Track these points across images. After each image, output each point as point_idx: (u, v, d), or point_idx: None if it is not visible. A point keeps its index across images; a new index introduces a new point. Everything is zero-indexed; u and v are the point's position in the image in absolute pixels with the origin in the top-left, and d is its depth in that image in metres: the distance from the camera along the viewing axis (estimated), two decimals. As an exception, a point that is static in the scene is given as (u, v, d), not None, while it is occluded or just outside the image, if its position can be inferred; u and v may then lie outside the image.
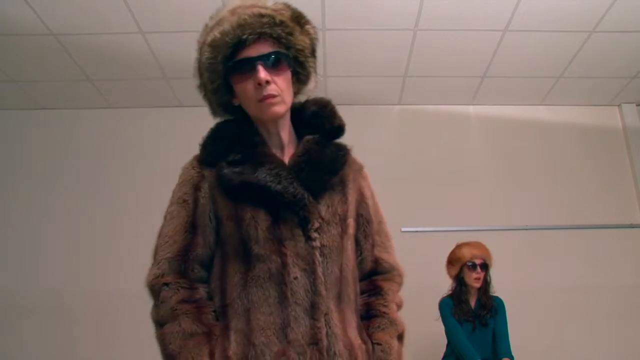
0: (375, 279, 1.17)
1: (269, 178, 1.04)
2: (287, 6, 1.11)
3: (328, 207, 1.09)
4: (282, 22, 1.07)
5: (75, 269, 3.38)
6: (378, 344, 1.08)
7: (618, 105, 3.85)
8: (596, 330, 3.29)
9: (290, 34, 1.07)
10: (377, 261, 1.18)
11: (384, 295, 1.14)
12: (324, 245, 1.06)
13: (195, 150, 4.01)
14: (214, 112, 1.21)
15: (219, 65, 1.07)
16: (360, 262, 1.17)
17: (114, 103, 3.72)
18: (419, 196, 3.43)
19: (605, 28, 2.98)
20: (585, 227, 3.51)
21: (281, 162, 1.09)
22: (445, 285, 2.84)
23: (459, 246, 2.80)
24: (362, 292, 1.16)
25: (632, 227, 3.53)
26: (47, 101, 3.68)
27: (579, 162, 3.69)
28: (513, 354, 2.67)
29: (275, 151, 1.12)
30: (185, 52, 3.15)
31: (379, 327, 1.10)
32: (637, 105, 3.84)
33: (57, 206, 3.53)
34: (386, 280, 1.17)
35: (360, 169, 1.22)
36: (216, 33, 1.06)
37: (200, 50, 1.11)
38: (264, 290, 1.02)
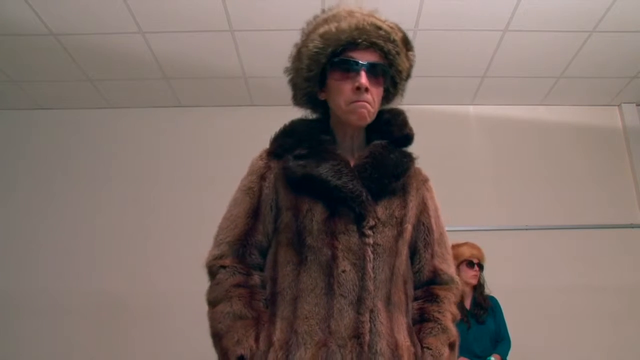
0: (432, 287, 1.16)
1: (330, 173, 1.07)
2: (399, 28, 1.16)
3: (385, 208, 1.10)
4: (394, 41, 1.12)
5: (75, 269, 3.38)
6: (428, 348, 1.07)
7: (618, 105, 3.85)
8: (596, 330, 3.29)
9: (398, 54, 1.13)
10: (435, 272, 1.17)
11: (440, 303, 1.13)
12: (377, 244, 1.07)
13: (196, 149, 4.01)
14: (296, 99, 1.22)
15: (324, 58, 1.10)
16: (418, 271, 1.17)
17: (114, 103, 3.72)
18: (419, 196, 3.41)
19: (605, 28, 2.98)
20: (585, 227, 3.51)
21: (345, 161, 1.12)
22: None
23: (457, 245, 2.85)
24: (417, 298, 1.15)
25: (632, 227, 3.53)
26: (47, 101, 3.68)
27: (579, 162, 3.69)
28: (513, 353, 2.68)
29: (345, 153, 1.15)
30: (185, 52, 3.16)
31: (430, 332, 1.09)
32: (637, 105, 3.84)
33: (57, 206, 3.53)
34: (443, 290, 1.16)
35: (425, 180, 1.24)
36: (332, 27, 1.09)
37: (307, 38, 1.13)
38: (312, 281, 1.05)
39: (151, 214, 3.50)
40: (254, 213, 1.14)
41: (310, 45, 1.11)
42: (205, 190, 3.42)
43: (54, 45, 3.03)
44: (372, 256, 1.05)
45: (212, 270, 1.12)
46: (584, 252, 3.47)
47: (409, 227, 1.14)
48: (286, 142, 1.16)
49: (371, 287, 1.04)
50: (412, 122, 1.23)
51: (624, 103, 3.81)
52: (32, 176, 3.61)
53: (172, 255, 3.34)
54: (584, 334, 3.28)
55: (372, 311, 1.03)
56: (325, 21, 1.12)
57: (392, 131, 1.18)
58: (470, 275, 2.76)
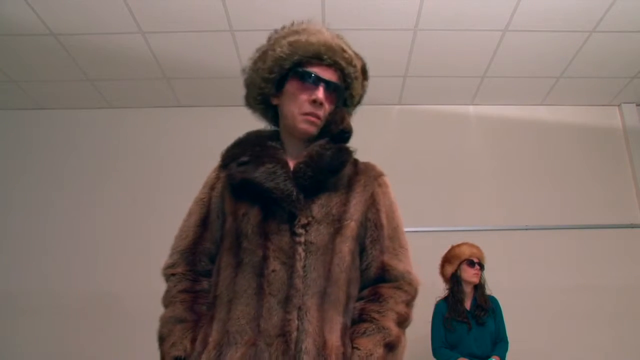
0: (378, 286, 1.13)
1: (264, 176, 1.10)
2: (360, 57, 1.25)
3: (322, 207, 1.12)
4: (355, 66, 1.20)
5: (75, 269, 3.38)
6: (357, 348, 1.04)
7: (618, 105, 3.85)
8: (596, 330, 3.29)
9: (356, 79, 1.21)
10: (384, 268, 1.14)
11: (382, 302, 1.10)
12: (310, 242, 1.08)
13: (196, 149, 4.02)
14: (248, 99, 1.29)
15: (288, 64, 1.16)
16: (366, 268, 1.15)
17: (114, 103, 3.73)
18: (419, 196, 3.41)
19: (605, 28, 2.98)
20: (585, 227, 3.51)
21: (283, 162, 1.14)
22: (443, 285, 2.86)
23: (456, 245, 2.87)
24: (361, 298, 1.13)
25: (632, 227, 3.53)
26: (47, 101, 3.68)
27: (579, 162, 3.69)
28: (512, 353, 2.67)
29: (292, 158, 1.18)
30: (185, 52, 3.17)
31: (364, 332, 1.06)
32: (637, 105, 3.84)
33: (57, 206, 3.53)
34: (390, 288, 1.12)
35: (378, 175, 1.23)
36: (302, 37, 1.16)
37: (275, 42, 1.18)
38: (246, 282, 1.07)
39: (151, 214, 3.50)
40: (203, 222, 1.20)
41: (278, 49, 1.16)
42: (205, 190, 3.42)
43: (54, 45, 3.03)
44: (303, 254, 1.06)
45: (165, 279, 1.19)
46: (584, 252, 3.47)
47: (351, 224, 1.13)
48: (234, 152, 1.20)
49: (300, 286, 1.04)
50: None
51: (624, 103, 3.82)
52: (32, 176, 3.61)
53: (172, 255, 3.33)
54: (583, 334, 3.28)
55: (300, 309, 1.03)
56: (296, 32, 1.18)
57: (331, 129, 1.17)
58: (471, 274, 2.76)
